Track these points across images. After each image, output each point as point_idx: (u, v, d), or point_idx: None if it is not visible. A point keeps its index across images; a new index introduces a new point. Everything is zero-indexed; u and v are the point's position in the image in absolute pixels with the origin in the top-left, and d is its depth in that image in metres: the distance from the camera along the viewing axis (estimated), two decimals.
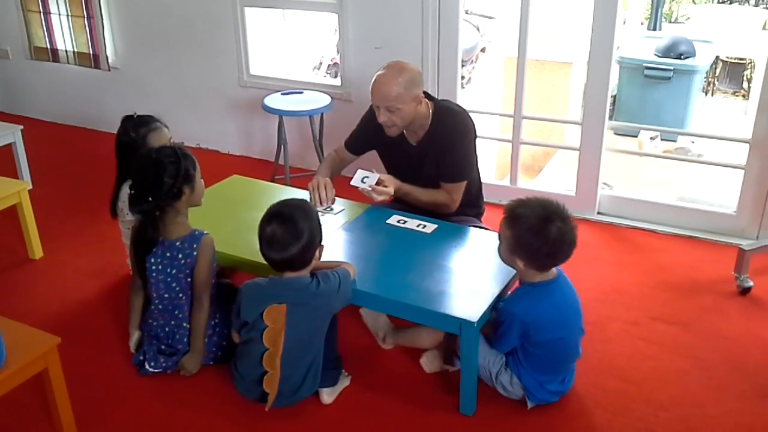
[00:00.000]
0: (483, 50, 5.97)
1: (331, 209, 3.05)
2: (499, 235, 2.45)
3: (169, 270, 2.63)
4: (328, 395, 2.58)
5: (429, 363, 2.70)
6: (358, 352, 2.78)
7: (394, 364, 2.76)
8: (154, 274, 2.65)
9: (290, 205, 2.45)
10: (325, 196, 3.02)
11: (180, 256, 2.62)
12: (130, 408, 2.58)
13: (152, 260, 2.64)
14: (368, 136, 3.12)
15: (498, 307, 2.45)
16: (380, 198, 2.92)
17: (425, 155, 2.98)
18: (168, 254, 2.63)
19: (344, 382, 2.65)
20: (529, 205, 2.38)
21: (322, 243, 2.47)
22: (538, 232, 2.31)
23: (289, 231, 2.36)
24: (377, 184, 2.90)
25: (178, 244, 2.62)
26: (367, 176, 2.91)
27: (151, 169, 2.56)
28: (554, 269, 2.45)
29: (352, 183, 2.92)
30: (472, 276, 2.63)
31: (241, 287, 2.52)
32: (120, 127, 3.07)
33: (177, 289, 2.65)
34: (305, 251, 2.39)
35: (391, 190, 2.92)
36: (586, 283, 3.28)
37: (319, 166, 3.28)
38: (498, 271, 2.57)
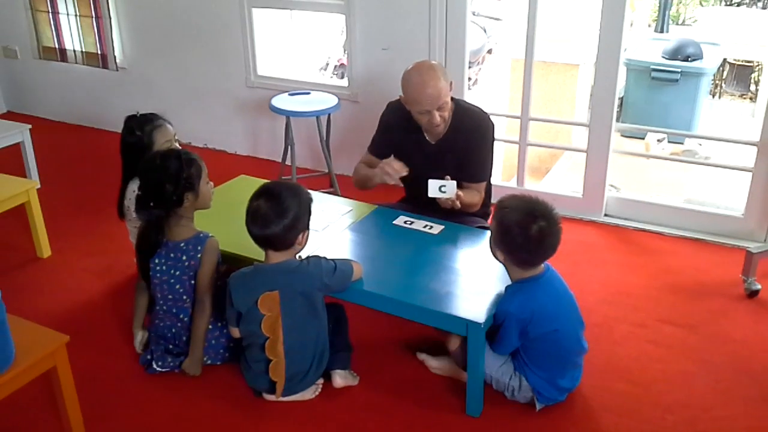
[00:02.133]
0: (489, 52, 5.97)
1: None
2: (491, 226, 2.49)
3: (172, 272, 2.64)
4: (340, 377, 2.61)
5: (434, 362, 2.71)
6: (366, 354, 2.78)
7: (402, 365, 2.76)
8: (158, 275, 2.66)
9: (281, 185, 2.49)
10: (397, 168, 2.87)
11: (184, 257, 2.62)
12: (138, 406, 2.58)
13: (156, 261, 2.65)
14: (387, 137, 3.11)
15: (494, 312, 2.44)
16: (459, 204, 2.84)
17: (445, 153, 2.97)
18: (172, 255, 2.63)
19: (353, 381, 2.65)
20: (518, 199, 2.41)
21: (309, 228, 2.48)
22: (519, 225, 2.33)
23: (274, 208, 2.38)
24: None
25: (182, 245, 2.63)
26: (443, 185, 2.79)
27: (153, 175, 2.57)
28: (542, 265, 2.45)
29: (430, 195, 2.79)
30: (479, 277, 2.63)
31: (229, 279, 2.53)
32: (124, 128, 3.07)
33: (180, 290, 2.65)
34: (287, 231, 2.40)
35: (461, 192, 2.84)
36: (592, 284, 3.28)
37: (360, 172, 3.11)
38: (505, 272, 2.56)
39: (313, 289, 2.47)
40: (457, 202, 2.83)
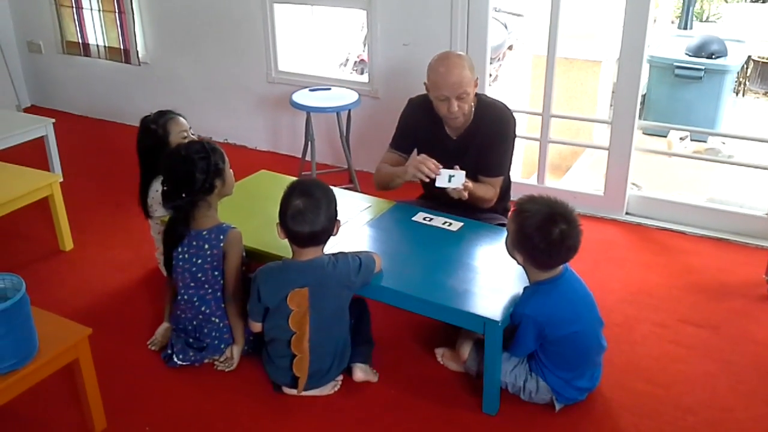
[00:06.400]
0: (510, 48, 5.93)
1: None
2: (507, 228, 2.47)
3: (194, 260, 2.66)
4: (361, 371, 2.61)
5: (448, 360, 2.72)
6: (385, 350, 2.78)
7: (419, 363, 2.76)
8: (180, 264, 2.68)
9: (304, 181, 2.55)
10: (432, 167, 2.81)
11: (206, 246, 2.64)
12: (159, 399, 2.61)
13: (179, 250, 2.67)
14: (410, 133, 3.10)
15: (511, 313, 2.44)
16: (466, 194, 2.82)
17: (466, 148, 2.96)
18: (195, 243, 2.65)
19: (373, 377, 2.66)
20: (537, 202, 2.38)
21: (339, 218, 2.50)
22: (540, 230, 2.31)
23: (315, 203, 2.41)
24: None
25: (205, 234, 2.65)
26: (453, 175, 2.79)
27: (181, 166, 2.59)
28: (560, 266, 2.43)
29: (438, 185, 2.78)
30: (497, 274, 2.62)
31: (256, 273, 2.53)
32: (140, 131, 3.11)
33: (202, 279, 2.67)
34: (330, 221, 2.44)
35: (470, 183, 2.83)
36: (613, 283, 3.26)
37: (382, 171, 3.08)
38: (523, 270, 2.55)
39: (341, 287, 2.48)
40: (465, 193, 2.79)
